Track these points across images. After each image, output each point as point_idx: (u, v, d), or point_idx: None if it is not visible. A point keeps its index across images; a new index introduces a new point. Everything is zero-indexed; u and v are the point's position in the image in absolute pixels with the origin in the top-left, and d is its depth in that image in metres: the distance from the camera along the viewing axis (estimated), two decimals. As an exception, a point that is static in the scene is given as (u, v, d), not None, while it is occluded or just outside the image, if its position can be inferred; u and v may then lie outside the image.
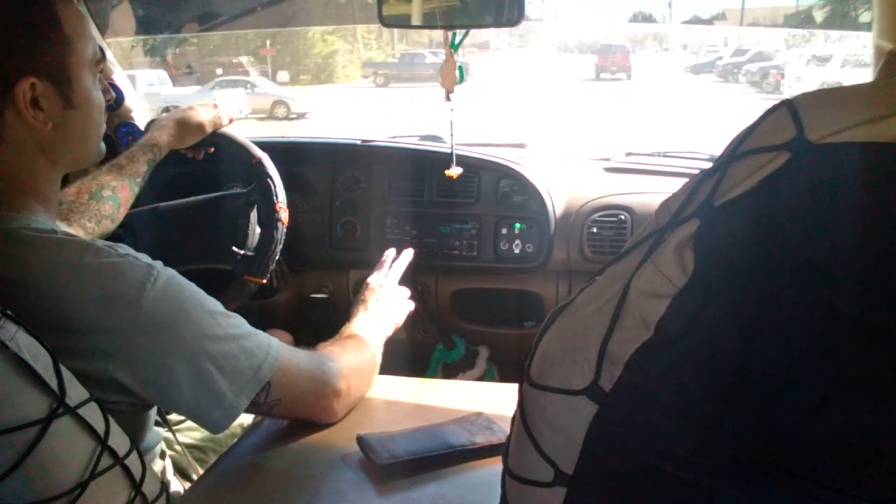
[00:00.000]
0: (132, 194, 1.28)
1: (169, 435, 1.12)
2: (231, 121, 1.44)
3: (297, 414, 0.96)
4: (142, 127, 1.76)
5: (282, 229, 1.36)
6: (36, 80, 0.81)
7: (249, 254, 1.36)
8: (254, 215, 1.40)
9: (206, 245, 1.40)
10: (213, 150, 1.44)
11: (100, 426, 0.71)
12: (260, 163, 1.40)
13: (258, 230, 1.39)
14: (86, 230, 1.18)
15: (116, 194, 1.25)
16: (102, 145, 0.94)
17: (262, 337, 0.90)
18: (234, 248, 1.36)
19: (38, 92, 0.82)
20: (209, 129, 1.39)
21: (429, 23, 1.28)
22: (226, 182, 1.60)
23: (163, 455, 1.04)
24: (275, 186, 1.38)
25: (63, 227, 1.14)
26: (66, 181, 1.21)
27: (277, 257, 1.36)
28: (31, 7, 0.82)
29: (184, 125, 1.37)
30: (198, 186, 1.49)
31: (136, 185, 1.29)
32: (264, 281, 1.35)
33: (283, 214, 1.37)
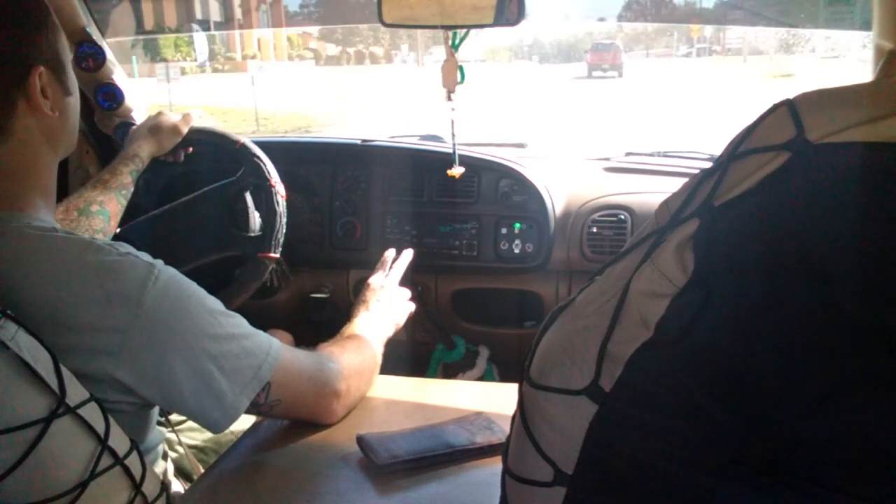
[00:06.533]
0: (120, 207, 1.30)
1: (171, 436, 1.12)
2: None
3: (297, 414, 0.96)
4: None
5: (282, 203, 1.38)
6: (42, 68, 0.81)
7: (257, 234, 1.38)
8: (250, 198, 1.41)
9: (211, 238, 1.41)
10: (191, 149, 1.45)
11: (100, 426, 0.71)
12: (244, 147, 1.41)
13: (257, 212, 1.41)
14: None
15: (105, 208, 1.26)
16: None
17: (262, 337, 0.89)
18: (241, 233, 1.38)
19: (44, 81, 0.82)
20: (185, 129, 1.41)
21: (429, 23, 1.29)
22: (217, 175, 1.60)
23: (165, 456, 1.04)
24: (264, 165, 1.40)
25: None
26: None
27: (285, 230, 1.38)
28: None
29: (157, 131, 1.40)
30: (192, 186, 1.49)
31: (123, 198, 1.31)
32: (278, 255, 1.37)
33: (280, 188, 1.39)
